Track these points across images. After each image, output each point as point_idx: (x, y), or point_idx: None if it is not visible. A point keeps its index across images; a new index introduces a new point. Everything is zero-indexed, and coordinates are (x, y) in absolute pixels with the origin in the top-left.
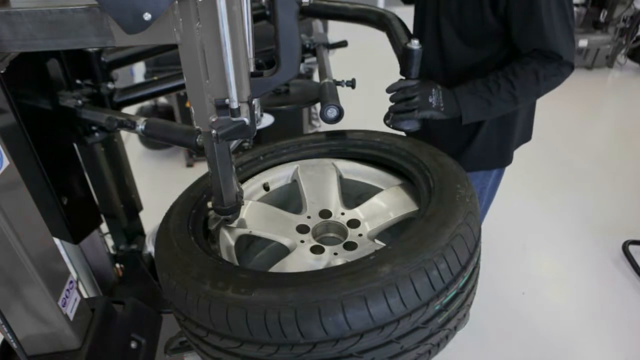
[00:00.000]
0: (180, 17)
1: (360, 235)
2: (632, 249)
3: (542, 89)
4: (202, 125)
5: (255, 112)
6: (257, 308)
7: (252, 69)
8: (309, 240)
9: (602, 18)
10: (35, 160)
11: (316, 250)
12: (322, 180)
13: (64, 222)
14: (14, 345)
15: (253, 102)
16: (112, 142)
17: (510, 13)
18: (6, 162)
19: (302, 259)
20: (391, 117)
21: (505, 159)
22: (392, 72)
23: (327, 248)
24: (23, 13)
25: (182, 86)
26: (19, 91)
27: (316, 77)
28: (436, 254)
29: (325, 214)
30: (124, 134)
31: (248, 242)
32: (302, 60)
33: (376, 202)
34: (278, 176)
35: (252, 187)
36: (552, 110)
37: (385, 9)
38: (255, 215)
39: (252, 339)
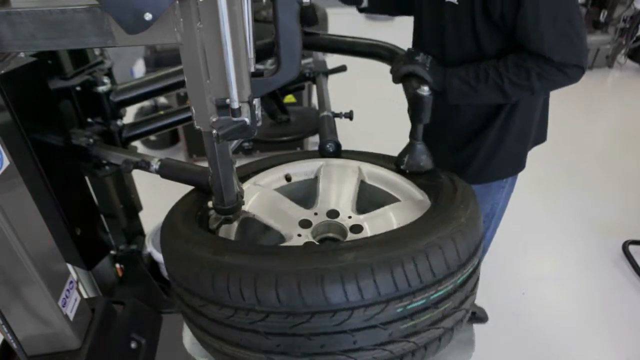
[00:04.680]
0: (181, 17)
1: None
2: (632, 249)
3: (537, 88)
4: (202, 125)
5: (256, 112)
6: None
7: (252, 69)
8: (306, 236)
9: (602, 18)
10: (50, 194)
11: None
12: (341, 181)
13: (78, 250)
14: (14, 345)
15: (254, 102)
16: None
17: (505, 15)
18: (6, 162)
19: None
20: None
21: (518, 166)
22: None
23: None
24: (23, 13)
25: (188, 119)
26: (34, 130)
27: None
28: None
29: (332, 214)
30: None
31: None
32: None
33: (386, 212)
34: (303, 170)
35: (274, 176)
36: (552, 110)
37: (397, 46)
38: (263, 201)
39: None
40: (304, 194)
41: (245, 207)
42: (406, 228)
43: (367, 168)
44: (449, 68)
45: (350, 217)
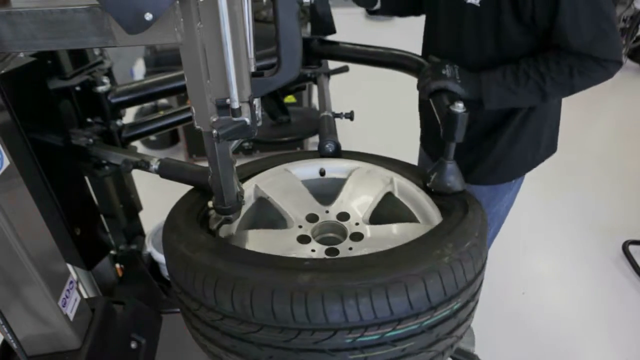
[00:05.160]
0: (181, 17)
1: (350, 249)
2: (632, 249)
3: (578, 84)
4: (203, 125)
5: (256, 112)
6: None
7: (252, 69)
8: (306, 230)
9: None
10: (50, 194)
11: (302, 240)
12: (367, 188)
13: (78, 251)
14: (14, 345)
15: (254, 102)
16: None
17: (535, 17)
18: (6, 162)
19: (286, 238)
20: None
21: (526, 168)
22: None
23: (313, 243)
24: (24, 13)
25: (189, 119)
26: (34, 130)
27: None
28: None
29: (343, 216)
30: None
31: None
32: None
33: (392, 229)
34: (339, 167)
35: (308, 168)
36: None
37: (421, 57)
38: (283, 187)
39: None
40: (334, 190)
41: (264, 188)
42: (381, 255)
43: (399, 181)
44: (481, 74)
45: (357, 224)
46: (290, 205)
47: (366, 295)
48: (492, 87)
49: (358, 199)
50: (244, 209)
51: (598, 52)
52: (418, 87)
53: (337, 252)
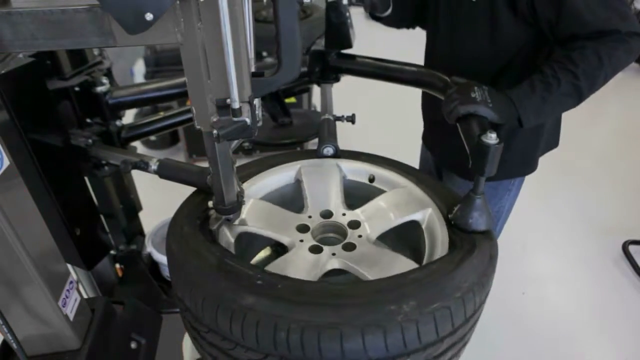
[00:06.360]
0: (182, 17)
1: (333, 254)
2: (632, 249)
3: (609, 71)
4: (203, 125)
5: (257, 112)
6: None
7: (253, 69)
8: (312, 222)
9: None
10: (50, 195)
11: (301, 229)
12: (396, 207)
13: (78, 251)
14: (14, 345)
15: (254, 102)
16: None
17: (535, 7)
18: (6, 162)
19: (287, 221)
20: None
21: (528, 167)
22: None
23: (307, 235)
24: (24, 13)
25: (188, 120)
26: (33, 131)
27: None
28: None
29: (354, 224)
30: None
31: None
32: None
33: (385, 256)
34: (389, 180)
35: (360, 171)
36: None
37: (451, 76)
38: (318, 177)
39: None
40: (370, 198)
41: (304, 172)
42: (334, 294)
43: (433, 213)
44: (509, 93)
45: (360, 237)
46: (314, 195)
47: (298, 332)
48: (526, 103)
49: (381, 214)
50: (280, 184)
51: (618, 25)
52: (444, 111)
53: (321, 250)
